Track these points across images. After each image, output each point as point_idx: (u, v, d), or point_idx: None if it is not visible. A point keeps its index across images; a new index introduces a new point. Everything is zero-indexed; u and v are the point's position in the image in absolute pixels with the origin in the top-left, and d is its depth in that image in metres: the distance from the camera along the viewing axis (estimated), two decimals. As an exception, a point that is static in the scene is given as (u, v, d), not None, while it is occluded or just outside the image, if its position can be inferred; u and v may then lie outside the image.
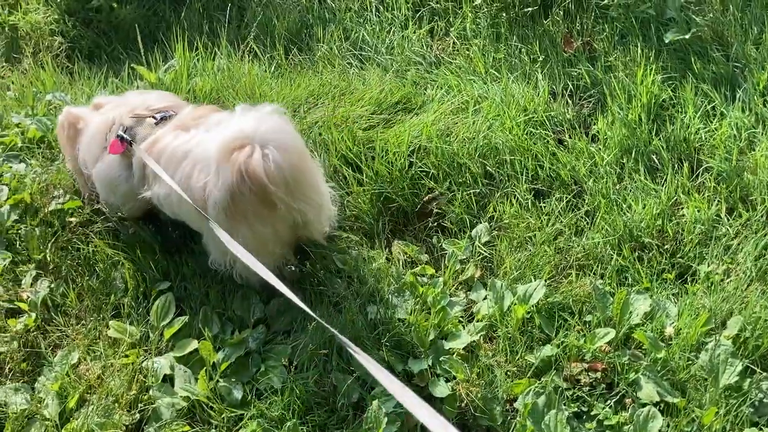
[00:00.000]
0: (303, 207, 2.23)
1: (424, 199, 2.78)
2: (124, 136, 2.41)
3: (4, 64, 4.19)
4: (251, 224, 2.17)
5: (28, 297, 2.47)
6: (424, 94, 3.40)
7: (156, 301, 2.45)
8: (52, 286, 2.52)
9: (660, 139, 2.89)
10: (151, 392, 2.19)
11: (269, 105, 2.17)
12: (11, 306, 2.46)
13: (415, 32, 3.84)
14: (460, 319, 2.41)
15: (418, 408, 1.35)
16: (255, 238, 2.19)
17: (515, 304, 2.34)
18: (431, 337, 2.31)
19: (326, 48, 3.85)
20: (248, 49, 3.77)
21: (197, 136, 2.28)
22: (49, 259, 2.60)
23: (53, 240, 2.65)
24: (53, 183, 2.85)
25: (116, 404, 2.13)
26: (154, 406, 2.15)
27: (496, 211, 2.73)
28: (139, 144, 2.38)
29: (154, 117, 2.42)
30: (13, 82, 3.90)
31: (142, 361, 2.29)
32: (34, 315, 2.42)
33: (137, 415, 2.14)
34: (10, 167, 2.96)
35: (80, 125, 2.63)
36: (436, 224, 2.75)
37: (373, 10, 4.08)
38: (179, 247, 2.62)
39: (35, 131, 3.21)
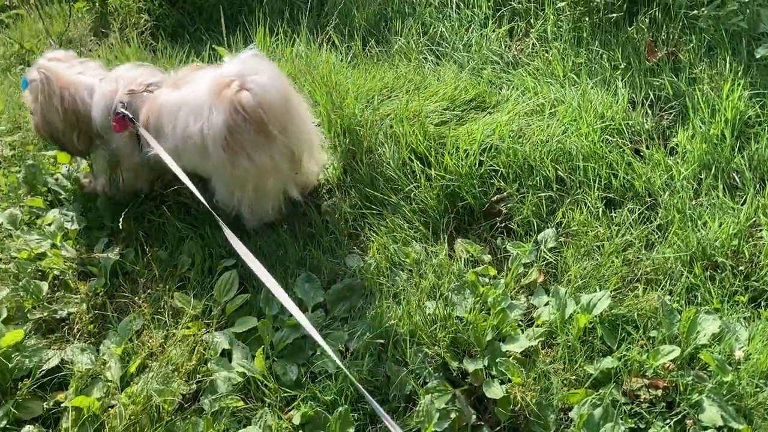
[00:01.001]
0: (295, 139, 2.48)
1: (492, 199, 2.75)
2: (126, 113, 2.53)
3: (93, 38, 4.35)
4: (250, 155, 2.35)
5: (99, 262, 2.56)
6: (499, 93, 3.37)
7: (220, 277, 2.50)
8: (123, 253, 2.59)
9: (743, 156, 2.78)
10: (209, 365, 2.23)
11: (250, 50, 2.43)
12: (83, 269, 2.55)
13: (494, 31, 3.81)
14: (519, 322, 2.38)
15: None
16: (256, 169, 2.40)
17: (578, 312, 2.30)
18: (489, 337, 2.28)
19: (403, 41, 3.85)
20: (327, 37, 3.80)
21: (187, 90, 2.46)
22: (121, 227, 2.68)
23: (126, 210, 2.72)
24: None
25: (175, 373, 2.18)
26: (211, 378, 2.19)
27: (564, 218, 2.68)
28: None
29: (148, 90, 2.55)
30: (99, 56, 4.03)
31: (203, 334, 2.34)
32: (103, 280, 2.50)
33: (194, 386, 2.18)
34: (91, 137, 3.06)
35: (57, 87, 2.62)
36: (502, 225, 2.72)
37: (453, 6, 4.07)
38: (245, 227, 2.66)
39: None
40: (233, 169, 2.40)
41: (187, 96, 2.43)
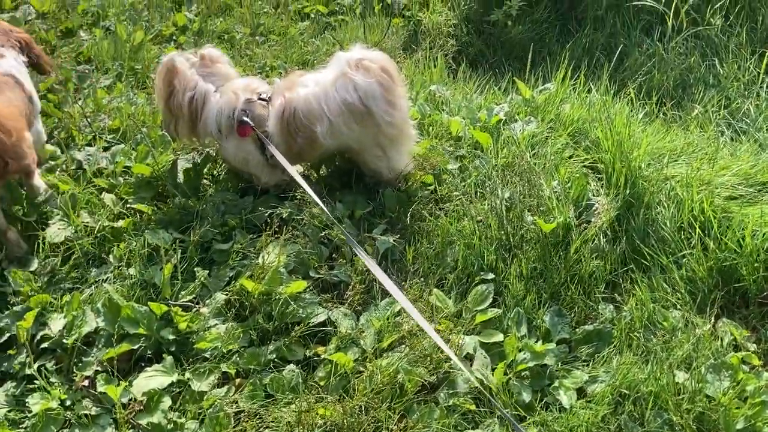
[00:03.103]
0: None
1: (773, 289, 2.59)
2: (248, 121, 2.90)
3: (402, 51, 4.79)
4: (398, 104, 2.88)
5: (375, 245, 2.82)
6: (799, 183, 3.14)
7: (476, 287, 2.64)
8: (396, 241, 2.83)
9: None
10: (452, 362, 2.37)
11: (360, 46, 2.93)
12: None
13: (807, 119, 3.57)
14: (776, 421, 2.21)
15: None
16: (403, 115, 2.95)
17: None
18: (739, 425, 2.16)
19: (701, 110, 3.75)
20: (624, 92, 3.82)
21: (321, 79, 2.90)
22: (400, 219, 2.93)
23: (409, 206, 2.98)
24: (423, 157, 3.21)
25: (424, 359, 2.35)
26: (452, 374, 2.32)
27: None
28: (263, 120, 2.93)
29: (261, 99, 2.95)
30: (404, 68, 4.43)
31: (450, 333, 2.49)
32: (375, 260, 2.75)
33: (436, 377, 2.33)
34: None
35: (175, 80, 2.96)
36: (776, 317, 2.55)
37: (765, 86, 3.87)
38: (511, 248, 2.78)
39: (415, 112, 3.63)
40: (390, 118, 2.85)
41: (328, 81, 2.85)
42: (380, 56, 2.89)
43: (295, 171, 2.72)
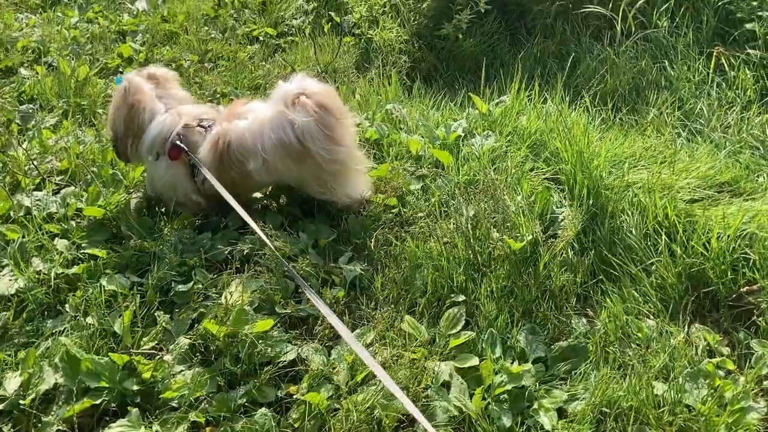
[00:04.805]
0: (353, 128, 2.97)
1: (743, 290, 2.59)
2: (181, 145, 2.88)
3: (355, 70, 4.74)
4: (339, 140, 2.79)
5: (341, 274, 2.75)
6: (756, 181, 3.18)
7: (448, 310, 2.58)
8: (363, 269, 2.77)
9: None
10: (429, 392, 2.31)
11: (302, 74, 2.84)
12: (326, 277, 2.76)
13: (758, 115, 3.61)
14: (757, 426, 2.20)
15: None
16: (347, 149, 2.85)
17: (831, 431, 2.08)
18: (721, 434, 2.14)
19: (656, 113, 3.77)
20: (579, 100, 3.83)
21: (259, 114, 2.83)
22: (366, 245, 2.87)
23: (374, 231, 2.92)
24: (385, 179, 3.15)
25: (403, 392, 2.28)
26: (431, 404, 2.26)
27: (824, 325, 2.45)
28: (199, 147, 2.90)
29: (201, 126, 2.92)
30: (358, 88, 4.38)
31: (425, 360, 2.43)
32: (343, 290, 2.69)
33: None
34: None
35: (139, 97, 2.96)
36: (747, 319, 2.55)
37: (715, 85, 3.92)
38: (480, 267, 2.73)
39: (373, 133, 3.58)
40: (330, 156, 2.77)
41: (264, 118, 2.78)
42: (320, 90, 2.78)
43: (228, 195, 2.65)
